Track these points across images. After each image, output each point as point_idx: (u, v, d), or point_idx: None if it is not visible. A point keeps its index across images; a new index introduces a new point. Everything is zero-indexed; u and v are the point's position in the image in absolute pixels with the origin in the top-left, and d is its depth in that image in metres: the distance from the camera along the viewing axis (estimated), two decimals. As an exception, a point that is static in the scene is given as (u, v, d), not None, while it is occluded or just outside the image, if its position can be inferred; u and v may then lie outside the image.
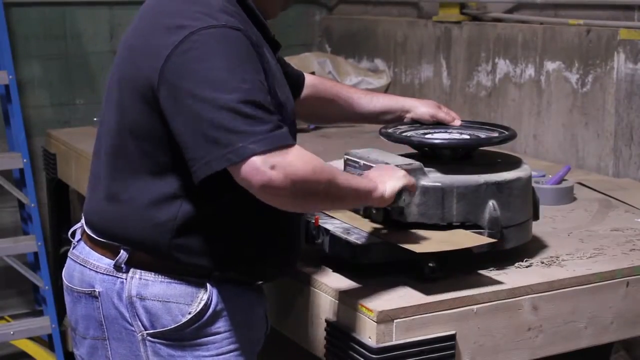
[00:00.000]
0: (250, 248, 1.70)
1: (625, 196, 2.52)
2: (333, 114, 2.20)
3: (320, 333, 1.79)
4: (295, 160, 1.54)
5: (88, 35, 3.99)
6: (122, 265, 1.68)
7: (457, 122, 2.10)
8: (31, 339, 3.81)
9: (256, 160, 1.50)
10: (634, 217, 2.32)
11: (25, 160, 3.72)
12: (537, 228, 2.05)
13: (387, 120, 2.15)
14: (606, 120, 2.83)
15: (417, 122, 2.09)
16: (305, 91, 2.13)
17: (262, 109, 1.54)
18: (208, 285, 1.68)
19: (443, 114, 2.10)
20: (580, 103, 2.94)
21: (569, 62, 2.97)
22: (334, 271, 1.85)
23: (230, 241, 1.67)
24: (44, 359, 3.77)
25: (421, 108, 2.11)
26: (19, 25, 3.85)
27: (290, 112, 1.74)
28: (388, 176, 1.73)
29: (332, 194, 1.61)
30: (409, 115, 2.12)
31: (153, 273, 1.67)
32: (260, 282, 1.80)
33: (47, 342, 3.87)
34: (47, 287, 3.76)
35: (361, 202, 1.74)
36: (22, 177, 3.78)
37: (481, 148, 2.01)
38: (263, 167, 1.50)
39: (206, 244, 1.67)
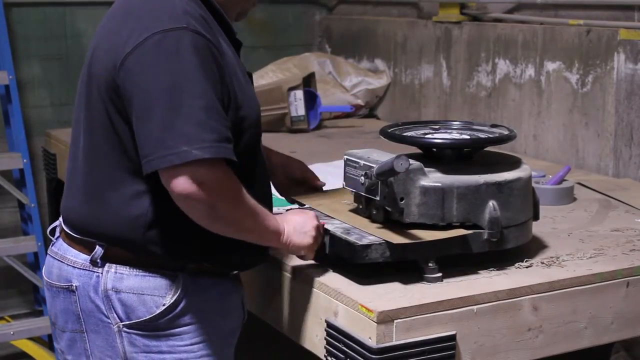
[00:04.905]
0: (221, 239, 1.71)
1: (625, 196, 2.52)
2: None
3: (320, 333, 1.79)
4: (226, 180, 1.60)
5: (88, 35, 3.98)
6: (98, 260, 1.73)
7: (321, 184, 2.14)
8: (31, 339, 3.80)
9: (190, 169, 1.55)
10: (634, 217, 2.32)
11: (25, 160, 3.72)
12: (537, 228, 2.05)
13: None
14: (606, 120, 2.83)
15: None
16: None
17: (213, 117, 1.58)
18: (181, 277, 1.73)
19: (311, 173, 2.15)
20: (580, 103, 2.94)
21: (569, 62, 2.97)
22: (333, 271, 1.85)
23: (202, 234, 1.69)
24: (44, 359, 3.77)
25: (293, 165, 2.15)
26: (19, 25, 3.85)
27: (252, 111, 1.76)
28: (298, 232, 1.77)
29: (245, 227, 1.67)
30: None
31: (128, 267, 1.73)
32: (235, 272, 1.84)
33: (47, 342, 3.86)
34: (47, 287, 3.75)
35: (266, 243, 1.77)
36: (22, 177, 3.78)
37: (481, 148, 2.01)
38: (190, 179, 1.55)
39: (178, 238, 1.71)
